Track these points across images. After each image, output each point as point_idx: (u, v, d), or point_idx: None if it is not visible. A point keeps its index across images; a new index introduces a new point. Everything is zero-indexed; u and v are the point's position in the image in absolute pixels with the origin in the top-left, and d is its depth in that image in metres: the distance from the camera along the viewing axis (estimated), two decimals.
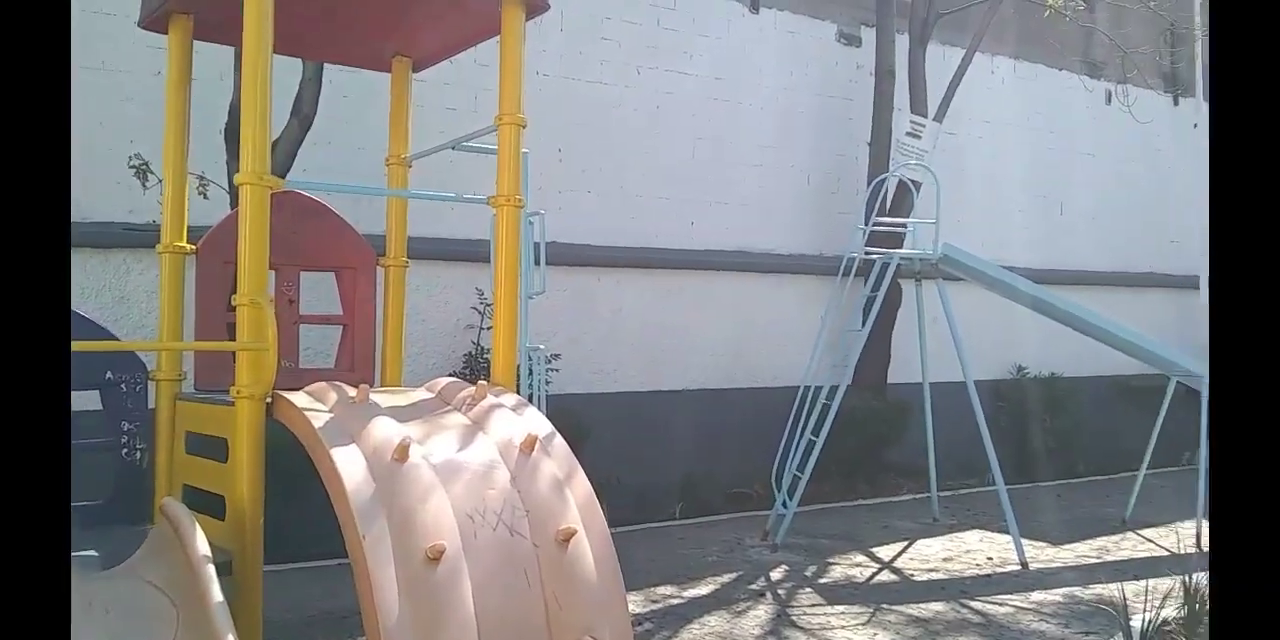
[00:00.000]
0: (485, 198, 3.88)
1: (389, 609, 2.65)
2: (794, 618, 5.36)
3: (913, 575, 6.38)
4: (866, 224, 7.85)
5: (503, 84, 3.83)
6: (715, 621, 5.26)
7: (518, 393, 3.79)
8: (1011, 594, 5.89)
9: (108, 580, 2.88)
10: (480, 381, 3.57)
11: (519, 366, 4.18)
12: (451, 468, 3.03)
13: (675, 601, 5.63)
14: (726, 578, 6.18)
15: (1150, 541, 7.46)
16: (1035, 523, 7.63)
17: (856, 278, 7.88)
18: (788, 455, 7.49)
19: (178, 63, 4.07)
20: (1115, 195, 12.74)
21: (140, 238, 6.33)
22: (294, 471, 3.59)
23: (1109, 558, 6.91)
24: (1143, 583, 6.08)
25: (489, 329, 6.86)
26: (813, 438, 7.21)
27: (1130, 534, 7.68)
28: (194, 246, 4.18)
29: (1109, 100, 12.80)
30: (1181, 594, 5.09)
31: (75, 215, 6.21)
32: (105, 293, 6.78)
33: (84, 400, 3.40)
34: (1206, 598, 5.04)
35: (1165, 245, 13.16)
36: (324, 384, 3.55)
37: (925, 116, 9.89)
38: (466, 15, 4.08)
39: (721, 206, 9.48)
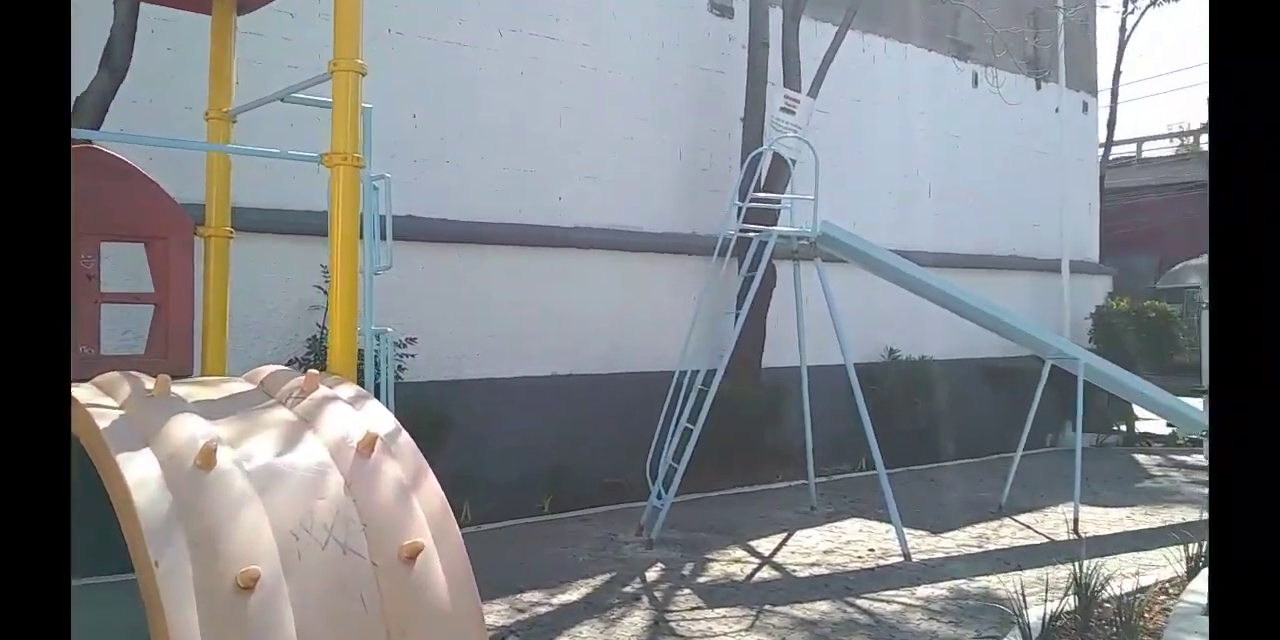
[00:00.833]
0: (318, 155, 3.31)
1: None
2: (672, 624, 4.93)
3: (795, 571, 6.05)
4: (742, 200, 7.49)
5: (337, 25, 3.31)
6: (587, 632, 4.79)
7: (360, 383, 3.26)
8: (898, 589, 5.61)
9: None
10: (310, 370, 3.01)
11: (364, 352, 3.61)
12: (271, 475, 2.52)
13: (543, 610, 5.14)
14: (599, 580, 5.72)
15: (1028, 527, 7.35)
16: (913, 509, 7.42)
17: (732, 258, 7.53)
18: (663, 444, 7.09)
19: None
20: (980, 178, 12.80)
21: None
22: None
23: (990, 546, 6.74)
24: (1028, 573, 5.93)
25: None
26: (689, 426, 6.81)
27: (1008, 520, 7.57)
28: None
29: (976, 83, 12.83)
30: (1071, 585, 4.91)
31: None
32: None
33: None
34: (1095, 589, 4.87)
35: (1028, 229, 13.32)
36: (116, 374, 2.97)
37: (799, 92, 9.61)
38: None
39: (591, 181, 8.97)
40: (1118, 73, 18.64)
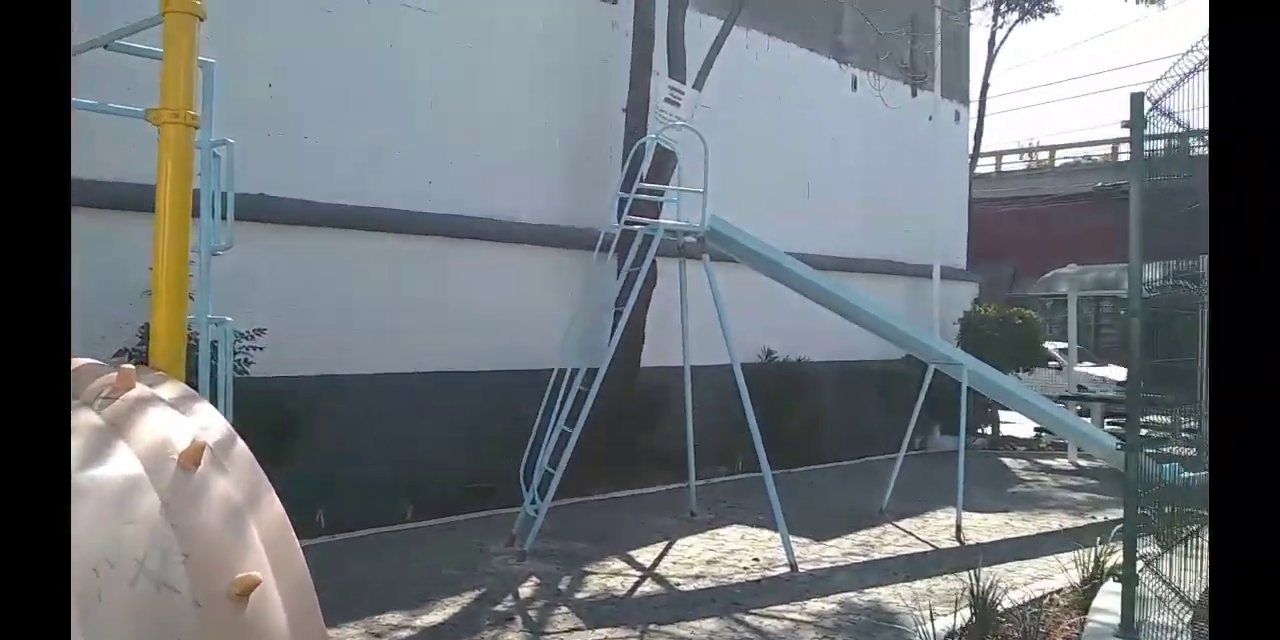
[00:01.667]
0: (143, 110, 2.75)
1: None
2: None
3: (678, 584, 5.67)
4: (626, 192, 7.10)
5: None
6: None
7: (190, 381, 2.72)
8: (787, 604, 5.28)
9: None
10: (125, 364, 2.46)
11: (199, 344, 3.06)
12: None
13: (404, 634, 4.60)
14: (467, 597, 5.21)
15: (910, 533, 7.18)
16: (794, 515, 7.14)
17: (614, 253, 7.11)
18: (537, 448, 6.63)
19: None
20: (856, 182, 12.74)
21: None
22: None
23: (875, 555, 6.52)
24: (918, 584, 5.72)
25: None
26: (567, 429, 6.37)
27: (889, 527, 7.38)
28: None
29: (855, 86, 12.78)
30: (966, 598, 4.69)
31: None
32: None
33: None
34: (992, 603, 4.66)
35: (900, 234, 13.34)
36: None
37: (684, 83, 9.28)
38: None
39: (465, 165, 8.42)
40: (985, 85, 19.11)
